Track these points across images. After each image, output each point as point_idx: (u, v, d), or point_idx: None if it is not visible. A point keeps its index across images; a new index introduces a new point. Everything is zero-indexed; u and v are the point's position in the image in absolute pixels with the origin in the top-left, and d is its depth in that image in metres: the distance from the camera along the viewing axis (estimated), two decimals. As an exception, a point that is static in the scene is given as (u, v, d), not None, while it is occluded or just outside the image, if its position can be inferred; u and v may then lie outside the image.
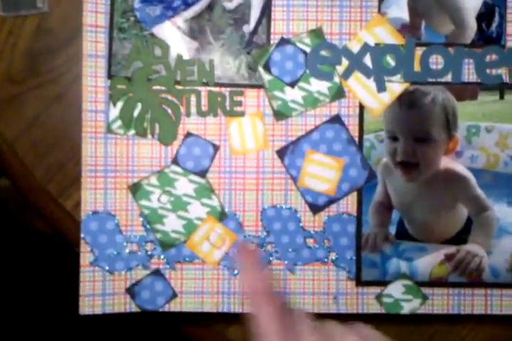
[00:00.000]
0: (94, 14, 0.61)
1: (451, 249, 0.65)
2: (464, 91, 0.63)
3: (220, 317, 0.64)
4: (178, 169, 0.62)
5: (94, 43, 0.61)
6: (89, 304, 0.62)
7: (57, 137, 0.65)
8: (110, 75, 0.61)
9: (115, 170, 0.62)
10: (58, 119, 0.65)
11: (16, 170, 0.66)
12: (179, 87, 0.62)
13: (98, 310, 0.62)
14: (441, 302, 0.64)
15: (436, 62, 0.63)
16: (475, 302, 0.64)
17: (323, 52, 0.62)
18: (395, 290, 0.64)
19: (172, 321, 0.68)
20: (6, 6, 0.63)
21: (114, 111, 0.61)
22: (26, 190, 0.67)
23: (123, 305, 0.62)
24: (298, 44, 0.62)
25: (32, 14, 0.64)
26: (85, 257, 0.62)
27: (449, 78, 0.63)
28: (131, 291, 0.62)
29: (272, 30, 0.62)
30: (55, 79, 0.65)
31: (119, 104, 0.61)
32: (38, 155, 0.65)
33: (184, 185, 0.62)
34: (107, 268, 0.62)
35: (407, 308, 0.64)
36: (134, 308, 0.62)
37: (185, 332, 0.70)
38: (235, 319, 0.65)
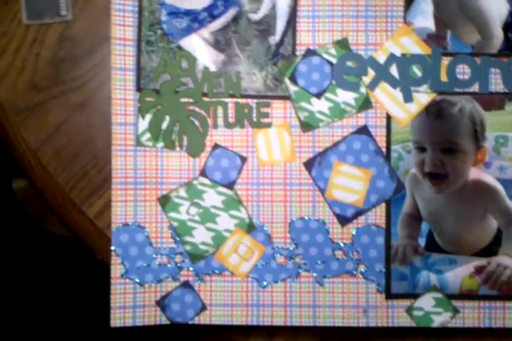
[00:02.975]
0: (122, 27, 0.61)
1: (481, 261, 0.63)
2: (491, 101, 0.63)
3: (239, 328, 0.64)
4: (206, 181, 0.62)
5: (122, 56, 0.61)
6: (121, 316, 0.61)
7: (80, 145, 0.65)
8: (139, 88, 0.61)
9: (144, 182, 0.62)
10: (82, 127, 0.65)
11: (39, 178, 0.66)
12: (206, 99, 0.62)
13: (129, 323, 0.61)
14: (472, 315, 0.63)
15: (463, 72, 0.63)
16: (507, 315, 0.63)
17: (349, 63, 0.62)
18: (426, 303, 0.63)
19: (192, 331, 0.68)
20: (30, 14, 0.64)
21: (143, 124, 0.61)
22: (49, 197, 0.67)
23: (153, 317, 0.62)
24: (324, 55, 0.62)
25: (56, 22, 0.64)
26: (116, 269, 0.61)
27: (475, 88, 0.63)
28: (161, 303, 0.62)
29: (297, 42, 0.62)
30: (79, 87, 0.65)
31: (148, 117, 0.61)
32: (62, 162, 0.65)
33: (212, 197, 0.62)
34: (137, 280, 0.62)
35: (437, 321, 0.63)
36: (164, 321, 0.62)
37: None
38: (254, 330, 0.65)
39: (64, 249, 1.38)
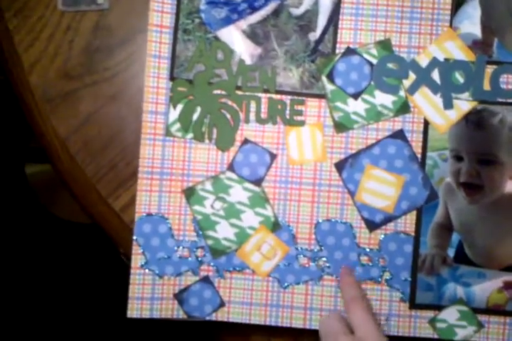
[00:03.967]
0: (160, 14, 0.60)
1: (511, 277, 0.62)
2: (535, 112, 0.61)
3: (260, 328, 0.62)
4: (234, 176, 0.60)
5: (158, 44, 0.60)
6: (138, 307, 0.60)
7: (110, 137, 0.64)
8: (172, 77, 0.60)
9: (171, 172, 0.61)
10: (112, 118, 0.64)
11: (67, 168, 0.65)
12: (239, 93, 0.61)
13: (146, 314, 0.60)
14: (497, 330, 0.61)
15: (507, 81, 0.61)
16: (533, 333, 0.60)
17: (390, 65, 0.61)
18: (450, 315, 0.61)
19: (209, 329, 0.66)
20: (66, 1, 0.63)
21: (174, 114, 0.60)
22: (75, 187, 0.66)
23: (170, 310, 0.61)
24: (364, 55, 0.61)
25: (92, 10, 0.64)
26: (137, 259, 0.61)
27: (519, 98, 0.60)
28: (180, 297, 0.61)
29: (338, 39, 0.61)
30: (111, 77, 0.65)
31: (179, 107, 0.60)
32: (90, 153, 0.64)
33: (238, 193, 0.61)
34: (157, 271, 0.61)
35: (461, 335, 0.61)
36: (182, 315, 0.61)
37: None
38: (276, 331, 0.64)
39: (72, 235, 1.39)
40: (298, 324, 0.61)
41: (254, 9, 0.61)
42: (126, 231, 0.64)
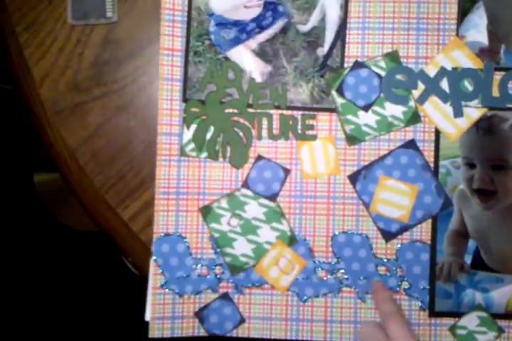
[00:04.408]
0: (171, 38, 0.61)
1: (528, 281, 0.61)
2: (545, 117, 0.61)
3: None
4: (249, 192, 0.62)
5: (170, 67, 0.62)
6: (159, 327, 0.61)
7: (118, 148, 0.66)
8: (185, 98, 0.61)
9: (187, 192, 0.62)
10: (121, 130, 0.66)
11: (76, 178, 0.66)
12: (251, 110, 0.62)
13: (167, 334, 0.61)
14: (517, 335, 0.61)
15: (516, 87, 0.61)
16: (553, 336, 0.61)
17: (399, 76, 0.61)
18: (470, 321, 0.61)
19: None
20: (75, 14, 0.64)
21: (188, 134, 0.62)
22: (84, 198, 0.67)
23: (191, 328, 0.62)
24: (373, 67, 0.61)
25: (101, 24, 0.65)
26: (156, 279, 0.62)
27: (528, 104, 0.61)
28: (200, 315, 0.62)
29: (346, 54, 0.62)
30: (120, 89, 0.66)
31: (193, 127, 0.61)
32: (99, 164, 0.66)
33: (254, 209, 0.62)
34: (177, 290, 0.62)
35: (481, 341, 0.61)
36: (203, 332, 0.62)
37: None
38: None
39: (79, 243, 1.41)
40: (319, 337, 0.62)
41: (262, 28, 0.62)
42: (135, 240, 0.65)
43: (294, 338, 0.62)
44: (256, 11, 0.62)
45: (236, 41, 0.62)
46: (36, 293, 1.37)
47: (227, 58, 0.62)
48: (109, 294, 1.36)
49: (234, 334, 0.62)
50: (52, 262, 1.41)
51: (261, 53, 0.62)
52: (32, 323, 1.35)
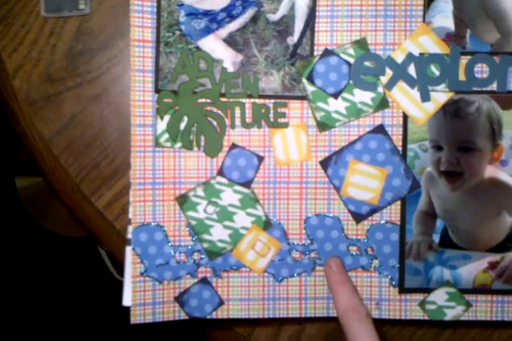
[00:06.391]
0: (141, 29, 0.62)
1: (495, 257, 0.65)
2: (509, 99, 0.63)
3: (244, 320, 0.66)
4: (224, 180, 0.63)
5: (141, 58, 0.62)
6: (141, 313, 0.64)
7: (92, 137, 0.67)
8: (157, 89, 0.62)
9: (163, 182, 0.63)
10: (95, 119, 0.67)
11: (50, 169, 0.68)
12: (224, 100, 0.63)
13: (149, 319, 0.64)
14: (484, 309, 0.65)
15: (482, 71, 0.63)
16: (519, 308, 0.64)
17: (367, 63, 0.63)
18: (439, 297, 0.64)
19: (195, 324, 0.70)
20: (48, 7, 0.65)
21: (162, 125, 0.63)
22: (59, 188, 0.69)
23: (172, 313, 0.64)
24: (342, 55, 0.63)
25: (74, 16, 0.66)
26: (136, 268, 0.64)
27: (494, 87, 0.63)
28: (180, 299, 0.64)
29: (315, 42, 0.63)
30: (94, 79, 0.67)
31: (166, 118, 0.62)
32: (73, 154, 0.67)
33: (229, 196, 0.64)
34: (157, 277, 0.64)
35: (450, 315, 0.64)
36: (183, 316, 0.64)
37: (208, 335, 0.72)
38: (259, 323, 0.68)
39: (62, 248, 1.42)
40: (294, 314, 0.65)
41: (232, 17, 0.63)
42: (110, 229, 0.67)
43: (271, 316, 0.64)
44: (226, 1, 0.62)
45: (207, 31, 0.62)
46: (21, 298, 1.37)
47: (198, 48, 0.62)
48: (94, 298, 1.37)
49: (214, 316, 0.64)
50: (36, 267, 1.40)
51: (232, 43, 0.63)
52: (20, 328, 1.35)
